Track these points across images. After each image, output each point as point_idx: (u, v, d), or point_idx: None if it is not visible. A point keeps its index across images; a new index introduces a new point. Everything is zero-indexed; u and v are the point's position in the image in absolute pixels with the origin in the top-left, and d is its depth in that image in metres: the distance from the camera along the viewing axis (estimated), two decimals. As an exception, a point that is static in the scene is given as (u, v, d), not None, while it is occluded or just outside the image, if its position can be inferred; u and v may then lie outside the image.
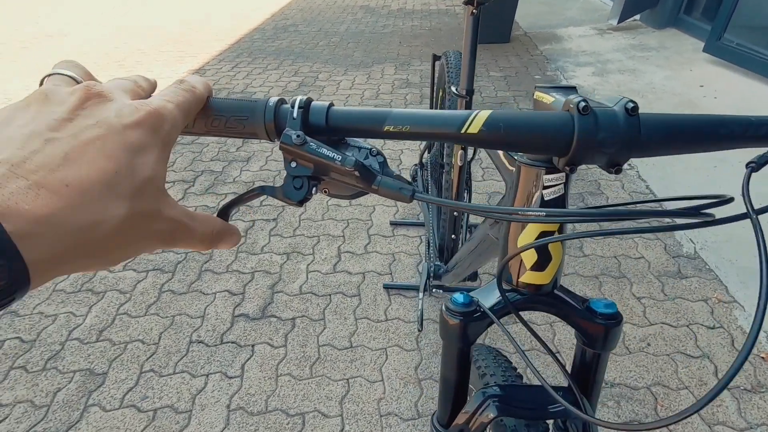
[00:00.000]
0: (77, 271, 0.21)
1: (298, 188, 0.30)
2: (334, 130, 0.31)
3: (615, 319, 0.41)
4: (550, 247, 0.40)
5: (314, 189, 0.32)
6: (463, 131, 0.30)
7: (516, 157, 0.40)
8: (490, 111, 0.30)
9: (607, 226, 0.32)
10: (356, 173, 0.28)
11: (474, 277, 1.15)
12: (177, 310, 1.47)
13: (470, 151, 1.04)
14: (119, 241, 0.22)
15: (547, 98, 0.34)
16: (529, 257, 0.41)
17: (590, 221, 0.30)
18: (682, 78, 2.93)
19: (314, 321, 1.43)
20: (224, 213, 0.33)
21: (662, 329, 1.35)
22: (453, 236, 1.13)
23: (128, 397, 1.22)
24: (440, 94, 1.52)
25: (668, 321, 1.37)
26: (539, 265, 0.41)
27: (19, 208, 0.17)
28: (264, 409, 1.18)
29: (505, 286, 0.44)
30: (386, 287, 1.53)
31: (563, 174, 0.37)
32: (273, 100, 0.31)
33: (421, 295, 1.18)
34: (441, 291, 1.45)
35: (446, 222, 1.14)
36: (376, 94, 3.07)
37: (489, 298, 0.45)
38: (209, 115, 0.31)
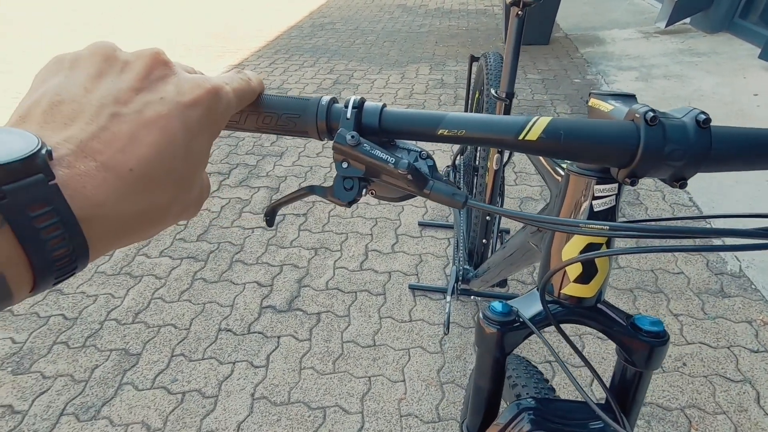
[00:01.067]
0: (130, 243, 0.22)
1: (349, 189, 0.30)
2: (387, 131, 0.31)
3: (661, 338, 0.40)
4: (597, 260, 0.39)
5: (364, 190, 0.32)
6: (521, 137, 0.29)
7: (565, 165, 0.39)
8: (550, 118, 0.30)
9: (657, 241, 0.30)
10: (409, 176, 0.28)
11: (503, 283, 1.13)
12: (208, 298, 1.52)
13: (506, 154, 1.02)
14: (168, 218, 0.23)
15: (605, 106, 0.32)
16: (574, 269, 0.40)
17: (655, 237, 0.29)
18: (735, 85, 2.77)
19: (339, 317, 1.44)
20: (272, 212, 0.34)
21: (700, 349, 1.29)
22: (484, 240, 1.11)
23: (159, 378, 1.27)
24: (476, 96, 1.50)
25: (707, 341, 1.31)
26: (584, 278, 0.40)
27: (86, 192, 0.18)
28: (287, 400, 1.21)
29: (546, 297, 0.43)
30: (412, 288, 1.53)
31: (615, 185, 0.36)
32: (326, 99, 0.32)
33: (448, 298, 1.17)
34: (470, 295, 1.43)
35: (477, 226, 1.13)
36: (409, 94, 3.06)
37: (529, 308, 0.44)
38: (260, 111, 0.31)
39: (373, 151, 0.29)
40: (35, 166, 0.16)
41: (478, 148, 1.35)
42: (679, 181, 0.30)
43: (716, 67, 3.04)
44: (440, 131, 0.30)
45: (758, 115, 2.42)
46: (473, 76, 1.49)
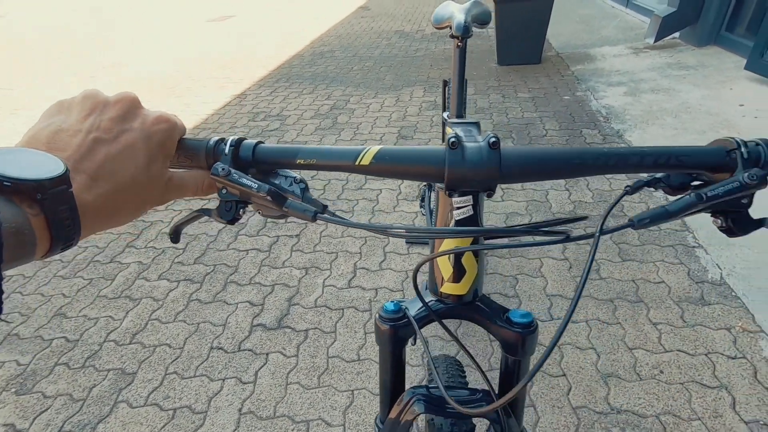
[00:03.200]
0: (110, 228, 0.32)
1: (228, 210, 0.37)
2: (260, 162, 0.38)
3: (529, 328, 0.45)
4: (465, 261, 0.45)
5: (242, 210, 0.39)
6: (357, 163, 0.37)
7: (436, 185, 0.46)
8: (380, 147, 0.37)
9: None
10: (268, 198, 0.35)
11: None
12: (202, 318, 1.59)
13: None
14: (135, 212, 0.33)
15: (449, 131, 0.39)
16: (446, 270, 0.46)
17: (466, 235, 0.35)
18: (721, 97, 2.81)
19: (326, 333, 1.49)
20: (175, 232, 0.41)
21: (678, 356, 1.30)
22: None
23: (153, 396, 1.33)
24: (451, 118, 1.57)
25: (685, 348, 1.32)
26: (456, 278, 0.46)
27: (81, 195, 0.27)
28: (272, 414, 1.25)
29: (431, 296, 0.49)
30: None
31: (470, 197, 0.42)
32: (214, 139, 0.39)
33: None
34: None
35: None
36: (403, 116, 3.17)
37: (415, 306, 0.50)
38: (178, 148, 0.39)
39: (240, 179, 0.35)
40: (64, 179, 0.26)
41: None
42: (486, 191, 0.37)
43: (703, 80, 3.09)
44: (298, 161, 0.37)
45: (743, 124, 2.45)
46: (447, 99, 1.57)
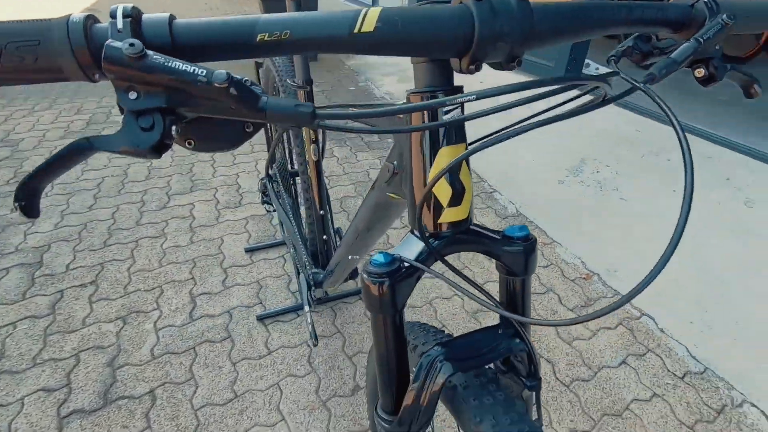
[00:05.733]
0: None
1: (148, 128, 0.21)
2: (184, 48, 0.23)
3: (529, 241, 0.42)
4: (462, 176, 0.39)
5: (173, 129, 0.23)
6: (356, 30, 0.26)
7: (407, 92, 0.38)
8: (381, 7, 0.27)
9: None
10: (232, 90, 0.21)
11: (355, 274, 1.11)
12: (-41, 443, 1.02)
13: (321, 142, 1.00)
14: None
15: None
16: (445, 193, 0.39)
17: (509, 92, 0.29)
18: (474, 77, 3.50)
19: (180, 384, 1.17)
20: (29, 192, 0.21)
21: (514, 278, 1.55)
22: (324, 237, 1.07)
23: None
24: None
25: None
26: (456, 200, 0.39)
27: None
28: None
29: (417, 231, 0.41)
30: (260, 318, 1.36)
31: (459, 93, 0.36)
32: (78, 16, 0.21)
33: (306, 308, 1.08)
34: (324, 302, 1.37)
35: (314, 224, 1.07)
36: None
37: (410, 251, 0.41)
38: None
39: (170, 63, 0.20)
40: None
41: (292, 148, 1.30)
42: (514, 60, 0.31)
43: (449, 66, 3.79)
44: (259, 37, 0.24)
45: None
46: (261, 82, 1.43)
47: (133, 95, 0.20)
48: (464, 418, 0.40)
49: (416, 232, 0.42)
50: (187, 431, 1.06)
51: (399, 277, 0.39)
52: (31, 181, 0.21)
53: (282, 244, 1.68)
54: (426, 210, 0.40)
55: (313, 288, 1.09)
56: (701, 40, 0.33)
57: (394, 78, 3.62)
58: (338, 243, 1.16)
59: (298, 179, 1.36)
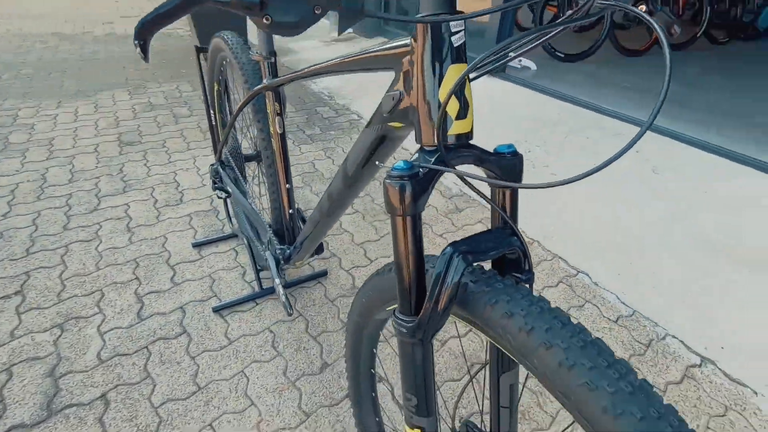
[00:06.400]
0: None
1: None
2: None
3: (517, 155, 0.47)
4: (466, 92, 0.43)
5: None
6: None
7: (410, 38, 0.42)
8: None
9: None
10: None
11: (320, 249, 1.11)
12: None
13: (285, 115, 1.00)
14: None
15: None
16: (453, 107, 0.43)
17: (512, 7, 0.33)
18: (400, 71, 3.60)
19: (136, 384, 1.10)
20: (146, 34, 0.23)
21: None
22: (290, 211, 1.06)
23: None
24: (216, 87, 1.40)
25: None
26: (463, 112, 0.43)
27: None
28: None
29: (429, 149, 0.45)
30: (216, 310, 1.32)
31: (463, 21, 0.40)
32: None
33: (278, 280, 1.07)
34: (286, 287, 1.36)
35: (279, 200, 1.06)
36: (116, 122, 2.58)
37: (426, 161, 0.45)
38: None
39: None
40: None
41: (244, 131, 1.28)
42: None
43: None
44: None
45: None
46: (205, 68, 1.39)
47: None
48: (478, 308, 0.43)
49: (427, 148, 0.46)
50: (148, 430, 1.00)
51: (418, 181, 0.43)
52: (147, 24, 0.22)
53: (232, 236, 1.63)
54: (427, 125, 0.44)
55: (282, 264, 1.09)
56: None
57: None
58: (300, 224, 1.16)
59: (249, 164, 1.34)
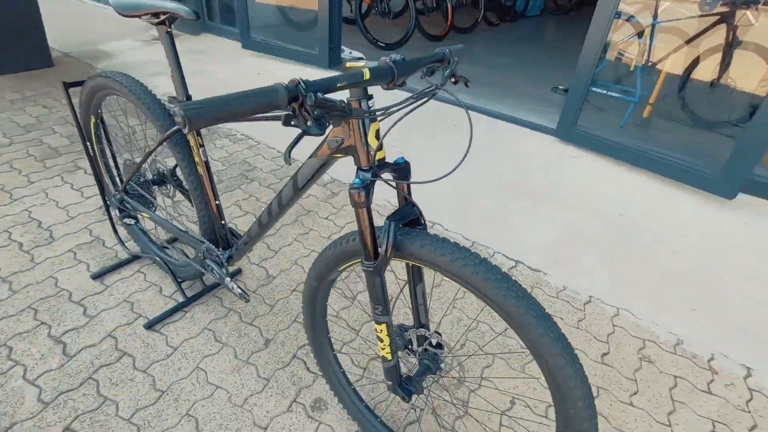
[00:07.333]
0: None
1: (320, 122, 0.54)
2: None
3: (407, 163, 0.83)
4: (379, 135, 0.77)
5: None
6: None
7: (347, 99, 0.72)
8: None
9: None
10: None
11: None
12: None
13: (205, 146, 1.17)
14: None
15: (355, 65, 0.67)
16: (374, 144, 0.76)
17: (415, 99, 0.68)
18: (243, 69, 3.67)
19: (97, 409, 1.18)
20: (289, 155, 0.53)
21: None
22: (223, 222, 1.25)
23: None
24: (92, 120, 1.44)
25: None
26: (380, 146, 0.77)
27: None
28: None
29: (365, 167, 0.78)
30: (149, 327, 1.42)
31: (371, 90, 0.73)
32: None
33: (227, 279, 1.26)
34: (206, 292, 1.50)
35: (210, 215, 1.24)
36: None
37: (365, 176, 0.77)
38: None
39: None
40: None
41: (154, 163, 1.37)
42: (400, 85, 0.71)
43: (223, 59, 3.86)
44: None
45: (258, 83, 3.39)
46: (77, 103, 1.41)
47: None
48: (407, 249, 0.78)
49: (363, 168, 0.77)
50: (130, 437, 1.13)
51: (366, 187, 0.75)
52: (290, 150, 0.51)
53: (133, 259, 1.67)
54: (359, 159, 0.77)
55: (225, 264, 1.28)
56: (453, 67, 0.78)
57: (165, 77, 3.47)
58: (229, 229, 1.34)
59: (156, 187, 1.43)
